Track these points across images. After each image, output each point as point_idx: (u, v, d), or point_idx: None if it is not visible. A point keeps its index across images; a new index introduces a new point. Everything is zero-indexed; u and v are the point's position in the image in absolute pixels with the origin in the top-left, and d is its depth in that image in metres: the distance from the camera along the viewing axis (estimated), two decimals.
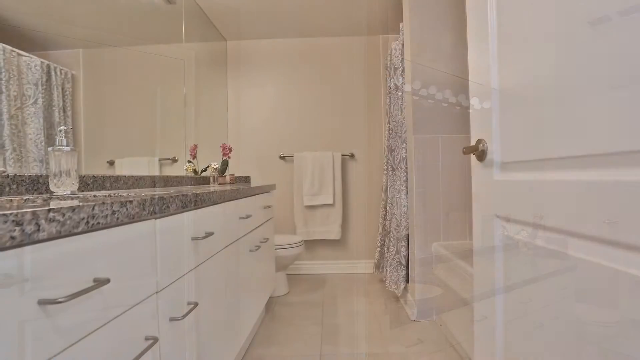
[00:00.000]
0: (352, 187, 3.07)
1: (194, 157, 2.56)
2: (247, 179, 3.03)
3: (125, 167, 1.72)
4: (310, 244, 3.10)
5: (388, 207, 2.59)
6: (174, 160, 2.37)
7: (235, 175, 3.03)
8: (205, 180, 2.61)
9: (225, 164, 2.72)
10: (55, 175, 1.03)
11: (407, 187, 2.27)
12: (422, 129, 2.11)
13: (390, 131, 2.58)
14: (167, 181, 2.06)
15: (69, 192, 1.06)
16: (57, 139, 1.06)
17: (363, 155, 3.07)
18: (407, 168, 2.26)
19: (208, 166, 2.73)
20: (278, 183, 3.07)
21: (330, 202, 2.92)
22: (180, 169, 2.36)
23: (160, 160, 2.12)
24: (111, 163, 1.64)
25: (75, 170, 1.08)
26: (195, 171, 2.57)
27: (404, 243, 2.26)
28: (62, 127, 1.09)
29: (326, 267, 3.09)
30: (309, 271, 3.11)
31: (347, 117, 3.07)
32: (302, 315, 2.23)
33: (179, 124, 2.39)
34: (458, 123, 2.11)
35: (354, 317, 2.19)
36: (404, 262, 2.27)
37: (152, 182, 1.90)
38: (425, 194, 2.11)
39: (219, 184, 2.64)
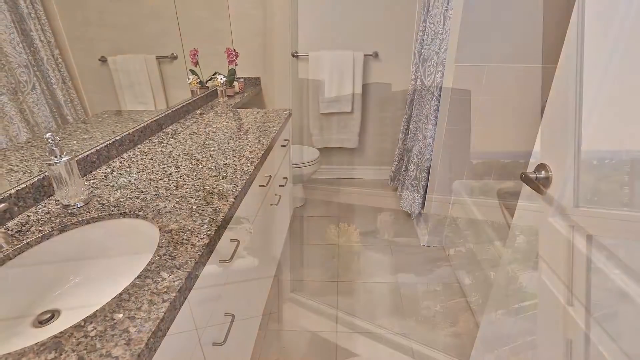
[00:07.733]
0: (373, 93, 2.76)
1: (196, 64, 2.25)
2: (257, 81, 2.72)
3: (119, 66, 1.53)
4: (325, 150, 3.03)
5: (411, 126, 2.40)
6: (173, 57, 2.09)
7: (243, 77, 2.72)
8: (213, 95, 2.35)
9: (232, 74, 2.40)
10: (60, 189, 0.99)
11: (436, 117, 2.05)
12: (466, 56, 1.76)
13: (426, 35, 2.16)
14: (175, 116, 1.88)
15: (81, 203, 1.03)
16: (48, 149, 0.94)
17: (388, 54, 2.65)
18: (440, 96, 1.99)
19: (214, 74, 2.42)
20: (291, 84, 2.76)
21: (349, 110, 2.70)
22: (181, 69, 2.09)
23: (157, 58, 1.87)
24: (103, 61, 1.46)
25: (79, 177, 1.02)
26: (200, 83, 2.29)
27: (424, 174, 2.19)
28: (48, 135, 0.94)
29: (341, 172, 3.10)
30: (324, 175, 3.13)
31: (370, 6, 2.51)
32: (319, 235, 2.37)
33: (170, 16, 2.00)
34: (511, 48, 1.74)
35: (368, 239, 2.33)
36: (421, 191, 2.25)
37: (158, 125, 1.73)
38: (456, 132, 1.92)
39: (228, 96, 2.40)
